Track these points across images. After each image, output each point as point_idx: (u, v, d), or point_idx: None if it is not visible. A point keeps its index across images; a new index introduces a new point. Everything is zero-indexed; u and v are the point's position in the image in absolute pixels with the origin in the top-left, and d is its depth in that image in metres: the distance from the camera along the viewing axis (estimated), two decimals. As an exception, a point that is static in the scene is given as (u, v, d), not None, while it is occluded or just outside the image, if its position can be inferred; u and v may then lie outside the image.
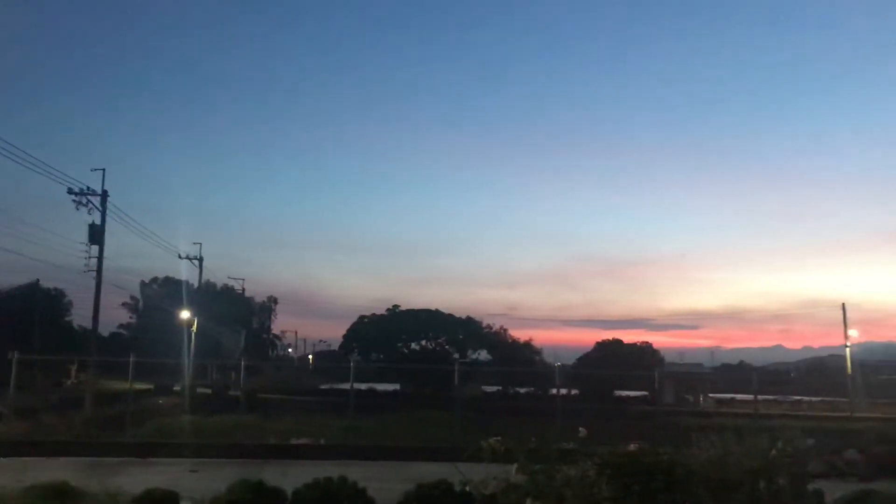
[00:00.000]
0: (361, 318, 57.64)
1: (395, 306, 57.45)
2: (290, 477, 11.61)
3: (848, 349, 49.57)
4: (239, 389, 31.89)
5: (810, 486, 9.09)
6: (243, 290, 70.54)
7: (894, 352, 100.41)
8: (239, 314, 65.99)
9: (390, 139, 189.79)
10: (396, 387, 49.80)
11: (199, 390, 37.73)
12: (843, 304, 51.35)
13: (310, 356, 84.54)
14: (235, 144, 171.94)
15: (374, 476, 13.17)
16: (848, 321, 51.09)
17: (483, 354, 55.44)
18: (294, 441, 20.45)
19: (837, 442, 19.47)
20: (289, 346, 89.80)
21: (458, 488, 8.96)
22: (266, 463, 17.13)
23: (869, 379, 55.48)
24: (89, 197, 30.89)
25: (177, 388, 38.00)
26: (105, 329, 53.97)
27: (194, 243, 49.66)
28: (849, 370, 46.14)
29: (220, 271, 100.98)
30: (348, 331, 57.50)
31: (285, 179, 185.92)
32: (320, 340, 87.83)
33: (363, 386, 44.65)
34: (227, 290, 70.17)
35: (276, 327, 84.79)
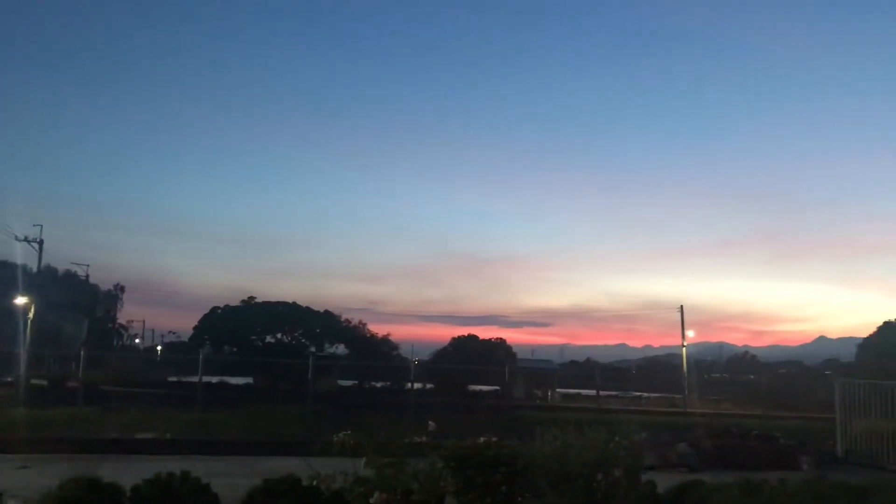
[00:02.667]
0: (215, 309, 55.79)
1: (251, 298, 55.96)
2: (130, 472, 11.09)
3: (684, 349, 52.77)
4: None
5: (644, 478, 9.60)
6: (87, 276, 66.80)
7: (726, 352, 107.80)
8: (82, 302, 62.44)
9: (248, 127, 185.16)
10: (249, 380, 48.60)
11: (34, 381, 35.38)
12: (682, 307, 54.61)
13: (158, 347, 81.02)
14: (87, 127, 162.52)
15: (221, 471, 12.83)
16: (685, 322, 54.37)
17: (341, 348, 54.95)
18: (137, 435, 19.60)
19: (671, 436, 20.70)
20: (136, 336, 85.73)
21: (306, 483, 8.87)
22: (105, 458, 16.24)
23: (702, 377, 59.35)
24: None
25: (9, 378, 35.50)
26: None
27: (35, 225, 46.38)
28: (684, 368, 49.10)
29: (65, 257, 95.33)
30: (200, 322, 55.47)
31: (136, 165, 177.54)
32: (170, 331, 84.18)
33: (214, 379, 43.35)
34: (70, 277, 66.15)
35: (123, 316, 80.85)
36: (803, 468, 18.77)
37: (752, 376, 64.78)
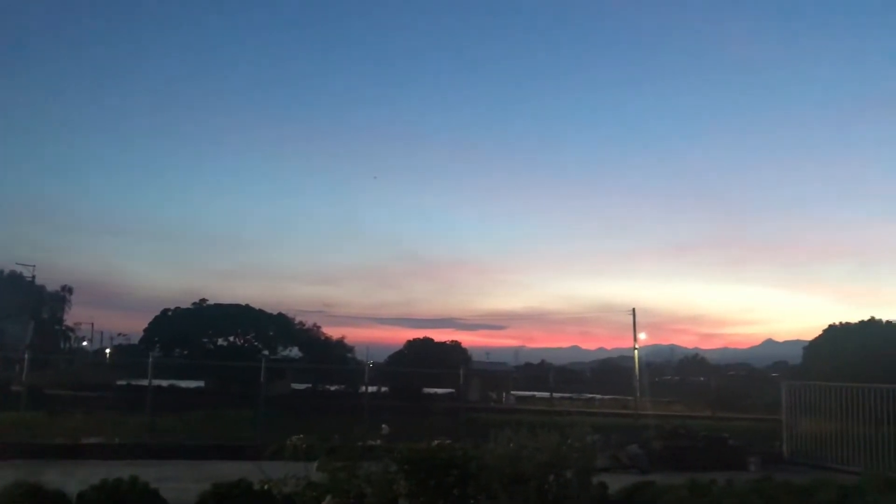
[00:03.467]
0: (165, 311, 54.91)
1: (203, 300, 55.19)
2: (76, 478, 10.88)
3: (636, 351, 53.44)
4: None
5: (595, 479, 9.70)
6: (33, 277, 65.30)
7: (678, 354, 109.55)
8: (27, 303, 61.11)
9: (201, 126, 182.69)
10: (201, 384, 47.99)
11: (-25, 385, 34.37)
12: (634, 309, 55.24)
13: (107, 350, 79.42)
14: (33, 125, 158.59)
15: (170, 476, 12.65)
16: (637, 325, 55.07)
17: (294, 351, 54.52)
18: (84, 440, 19.15)
19: (623, 437, 20.92)
20: (84, 338, 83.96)
21: (257, 487, 8.78)
22: (50, 464, 15.84)
23: (654, 379, 60.24)
24: None
25: (-54, 382, 34.43)
26: None
27: (-23, 225, 45.12)
28: (636, 371, 49.72)
29: (10, 258, 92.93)
30: (150, 324, 54.55)
31: (86, 164, 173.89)
32: (120, 334, 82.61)
33: (165, 382, 42.53)
34: (16, 278, 64.63)
35: (71, 318, 79.17)
36: (750, 468, 19.16)
37: (702, 378, 65.92)
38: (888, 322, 39.06)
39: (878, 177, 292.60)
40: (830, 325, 40.16)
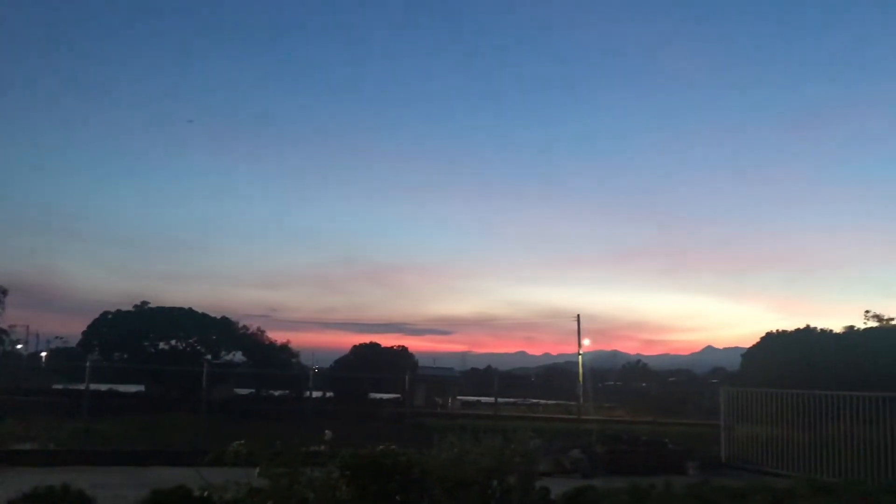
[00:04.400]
0: (105, 314, 53.53)
1: (144, 303, 53.93)
2: (6, 486, 10.55)
3: (580, 357, 54.04)
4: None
5: (538, 484, 9.79)
6: (-35, 278, 63.08)
7: (620, 360, 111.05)
8: (-42, 306, 59.00)
9: (142, 126, 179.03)
10: (141, 388, 46.98)
11: None
12: (579, 316, 55.89)
13: (43, 354, 77.15)
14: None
15: (107, 483, 12.37)
16: (582, 331, 55.69)
17: (238, 356, 53.70)
18: (16, 446, 18.57)
19: (565, 442, 21.14)
20: (18, 342, 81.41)
21: (197, 494, 8.62)
22: (-20, 472, 15.36)
23: (597, 384, 60.92)
24: None
25: None
26: None
27: None
28: (580, 376, 50.27)
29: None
30: (89, 327, 53.08)
31: (21, 162, 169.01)
32: (57, 337, 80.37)
33: (103, 387, 41.71)
34: (-55, 279, 62.31)
35: (5, 321, 76.43)
36: (689, 473, 19.54)
37: (643, 384, 67.03)
38: (823, 330, 40.24)
39: (814, 189, 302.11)
40: (767, 333, 41.16)
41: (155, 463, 17.31)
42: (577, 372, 51.78)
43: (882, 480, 16.21)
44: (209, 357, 48.54)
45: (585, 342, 56.23)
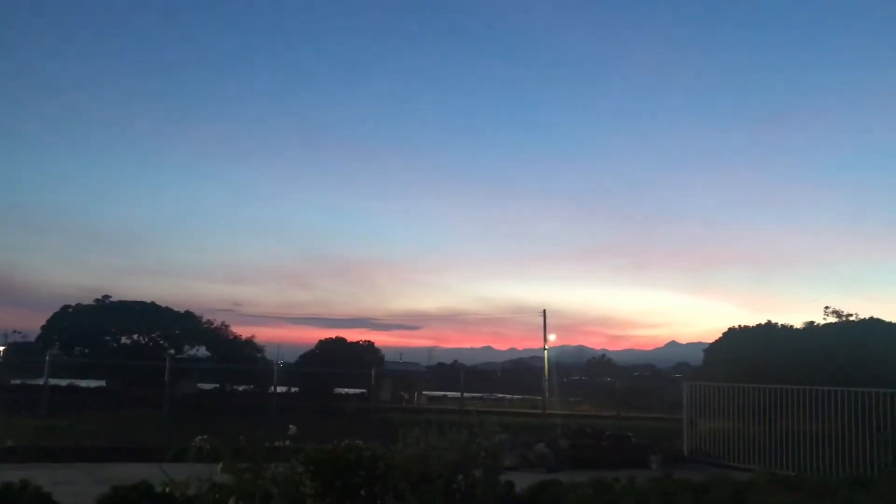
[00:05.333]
0: (66, 307, 52.77)
1: (106, 297, 53.30)
2: (-38, 484, 10.32)
3: (546, 352, 54.37)
4: None
5: (503, 478, 9.82)
6: (-80, 271, 61.76)
7: (586, 355, 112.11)
8: (-88, 299, 57.76)
9: (103, 116, 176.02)
10: (102, 383, 46.35)
11: None
12: (544, 311, 56.18)
13: (1, 348, 75.81)
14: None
15: (66, 479, 12.17)
16: (548, 326, 56.01)
17: (202, 351, 53.32)
18: (-28, 443, 18.16)
19: (531, 436, 21.24)
20: (-25, 336, 79.84)
21: (158, 490, 8.51)
22: (-66, 469, 15.02)
23: (563, 379, 61.42)
24: None
25: None
26: None
27: None
28: (545, 371, 50.58)
29: None
30: (49, 321, 52.31)
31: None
32: (15, 331, 78.94)
33: (63, 382, 41.03)
34: None
35: (-39, 315, 75.32)
36: (652, 467, 19.74)
37: (608, 379, 67.64)
38: (783, 326, 40.97)
39: (777, 188, 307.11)
40: (730, 329, 41.79)
41: (116, 459, 17.06)
42: (543, 367, 52.10)
43: (840, 473, 16.53)
44: (172, 352, 48.14)
45: (551, 337, 56.62)
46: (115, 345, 50.11)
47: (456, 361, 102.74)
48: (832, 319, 39.60)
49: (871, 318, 38.62)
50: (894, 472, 14.09)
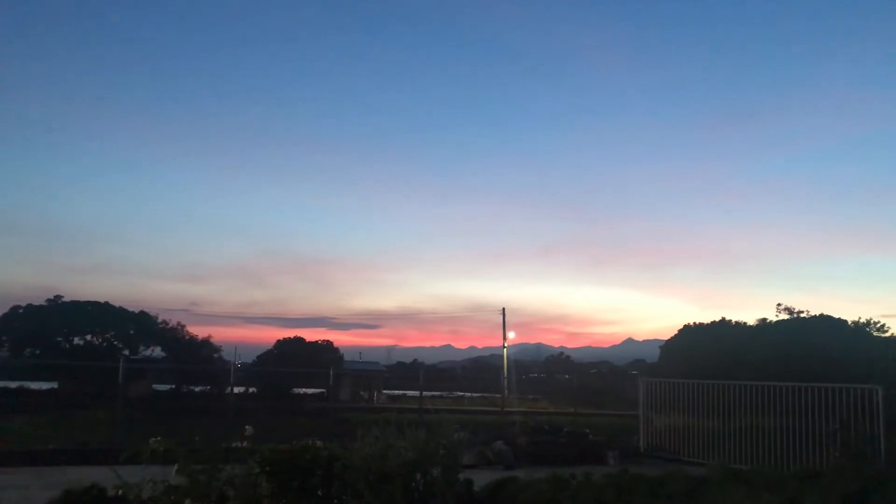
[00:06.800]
0: (15, 308, 51.54)
1: (58, 297, 52.18)
2: None
3: (505, 350, 54.61)
4: None
5: (461, 476, 9.84)
6: None
7: (544, 352, 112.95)
8: None
9: (52, 112, 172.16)
10: (54, 385, 45.43)
11: None
12: (504, 309, 56.38)
13: (-53, 350, 73.80)
14: None
15: (15, 484, 11.89)
16: (507, 324, 56.21)
17: (157, 351, 52.55)
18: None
19: (489, 434, 21.33)
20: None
21: (111, 493, 8.36)
22: None
23: (521, 376, 61.78)
24: None
25: None
26: None
27: None
28: (505, 369, 50.79)
29: None
30: (-2, 322, 51.14)
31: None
32: (-38, 333, 77.03)
33: (13, 384, 40.23)
34: None
35: None
36: (609, 462, 19.97)
37: (566, 375, 68.32)
38: (737, 323, 41.80)
39: (732, 186, 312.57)
40: (685, 326, 42.55)
41: (68, 462, 16.71)
42: (503, 365, 52.34)
43: (792, 467, 16.89)
44: (126, 352, 47.32)
45: (510, 335, 56.78)
46: (67, 346, 49.10)
47: (416, 360, 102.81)
48: (784, 316, 40.56)
49: (822, 315, 39.64)
50: (843, 465, 14.45)
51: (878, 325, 39.87)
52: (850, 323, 39.34)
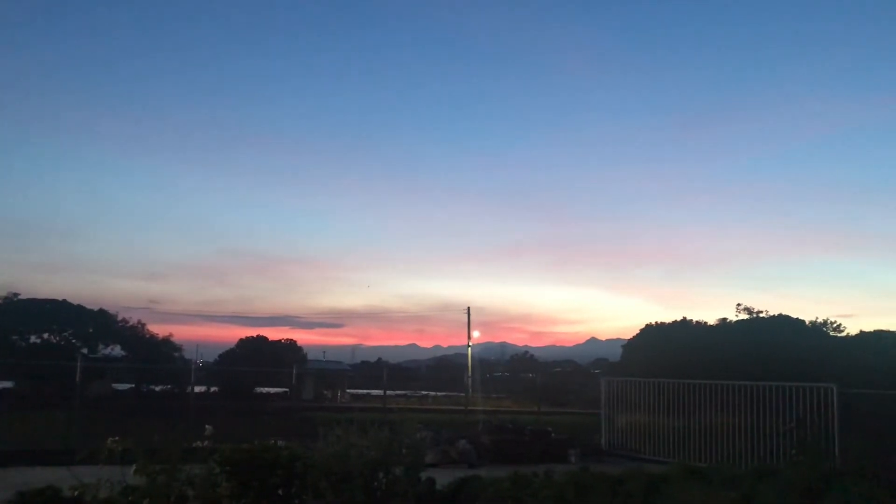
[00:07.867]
0: (-30, 306, 50.45)
1: (14, 294, 51.14)
2: None
3: (469, 349, 54.69)
4: None
5: (424, 475, 9.85)
6: None
7: (509, 351, 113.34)
8: None
9: (8, 106, 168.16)
10: (9, 385, 44.48)
11: None
12: (468, 308, 56.50)
13: None
14: None
15: (-33, 486, 11.61)
16: (472, 323, 56.33)
17: (117, 350, 51.70)
18: None
19: (453, 433, 21.36)
20: None
21: (67, 494, 8.22)
22: None
23: (486, 375, 61.93)
24: None
25: None
26: None
27: None
28: (469, 368, 50.87)
29: None
30: (-49, 321, 49.93)
31: None
32: (-87, 331, 75.12)
33: (-33, 384, 39.30)
34: None
35: None
36: (571, 461, 20.11)
37: (530, 375, 68.62)
38: (698, 322, 42.36)
39: (695, 187, 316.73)
40: (647, 325, 42.95)
41: (23, 463, 16.37)
42: (467, 364, 52.42)
43: (749, 464, 17.17)
44: (85, 351, 46.50)
45: (475, 334, 56.91)
46: (23, 344, 48.09)
47: (380, 359, 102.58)
48: (744, 316, 41.23)
49: (780, 315, 40.38)
50: (798, 462, 14.75)
51: (835, 325, 40.77)
52: (807, 323, 40.13)
